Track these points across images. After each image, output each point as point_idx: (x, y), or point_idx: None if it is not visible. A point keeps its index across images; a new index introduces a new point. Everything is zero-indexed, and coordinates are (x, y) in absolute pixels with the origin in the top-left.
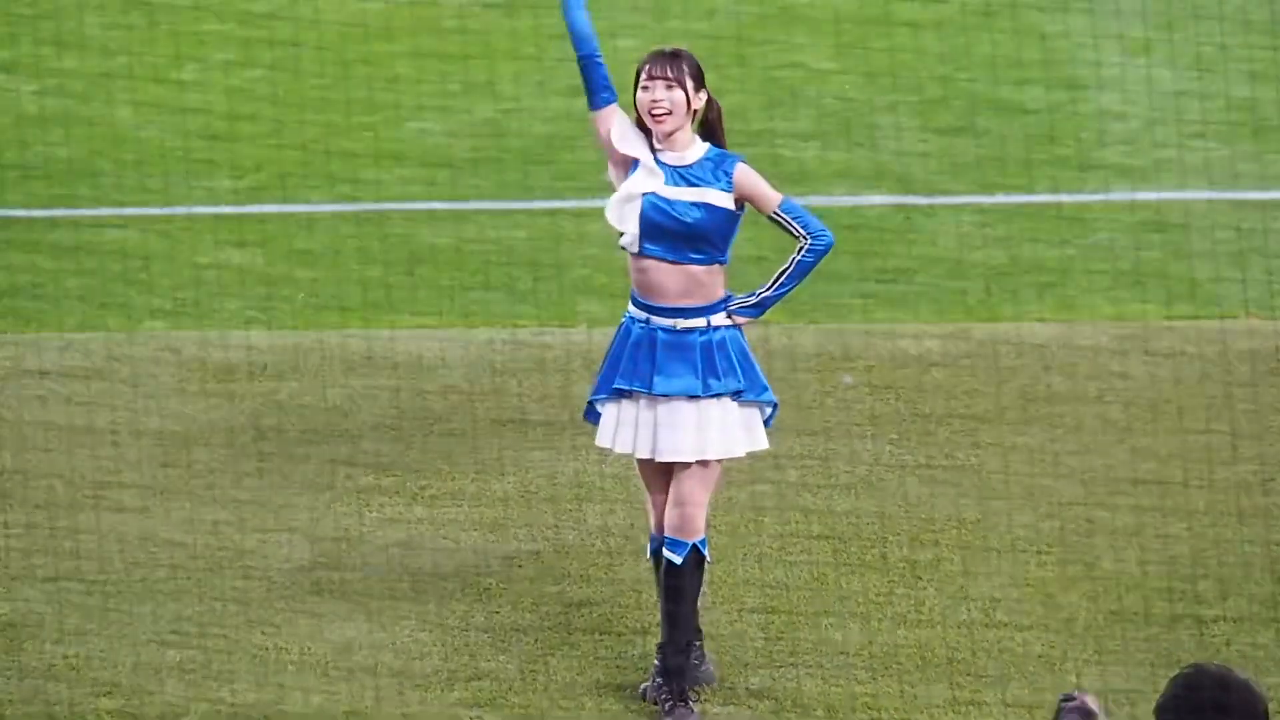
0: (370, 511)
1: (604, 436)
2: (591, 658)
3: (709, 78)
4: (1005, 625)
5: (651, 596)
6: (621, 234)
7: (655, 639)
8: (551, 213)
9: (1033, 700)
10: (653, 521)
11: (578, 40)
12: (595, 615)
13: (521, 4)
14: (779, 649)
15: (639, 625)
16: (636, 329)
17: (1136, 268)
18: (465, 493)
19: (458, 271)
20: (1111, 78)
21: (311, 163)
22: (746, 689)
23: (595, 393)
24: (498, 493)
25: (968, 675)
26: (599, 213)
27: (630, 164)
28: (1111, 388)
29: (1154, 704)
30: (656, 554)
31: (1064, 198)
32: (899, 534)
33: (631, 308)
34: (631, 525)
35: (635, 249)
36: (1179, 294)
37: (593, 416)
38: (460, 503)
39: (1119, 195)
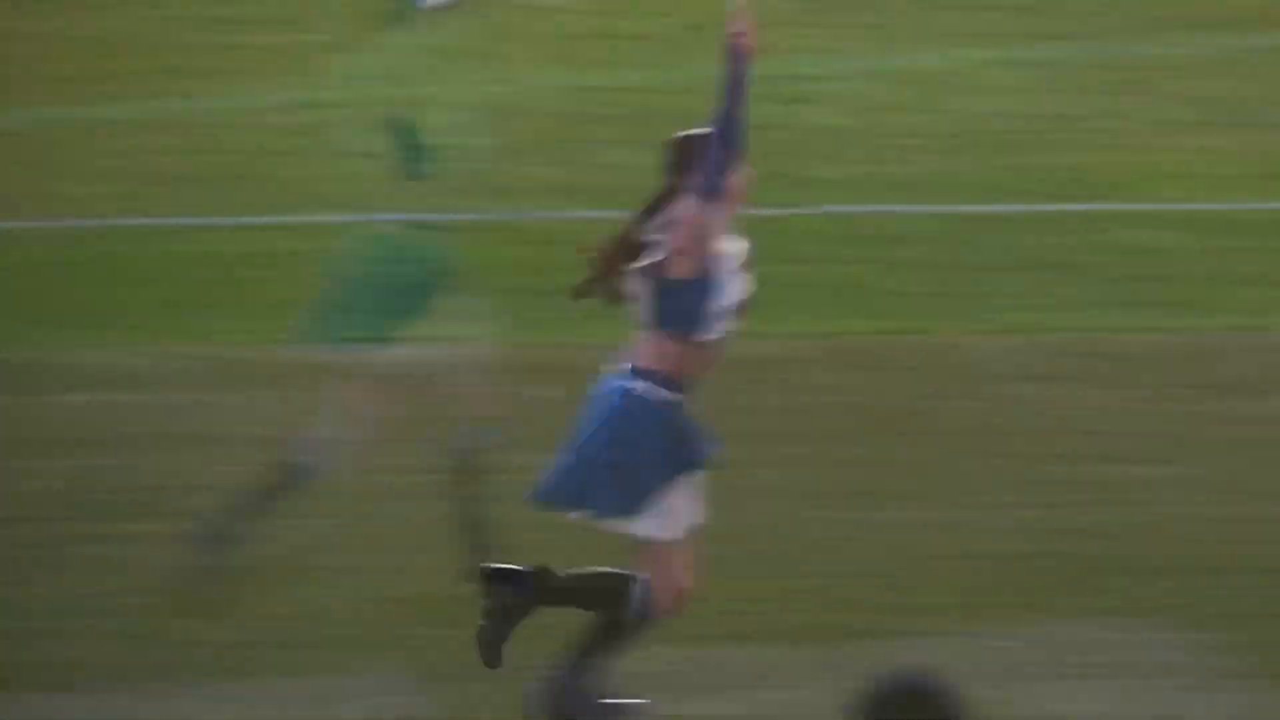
0: None
1: (676, 526)
2: None
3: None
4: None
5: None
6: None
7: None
8: (258, 229)
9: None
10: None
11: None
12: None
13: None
14: None
15: None
16: (676, 411)
17: (842, 283)
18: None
19: (161, 287)
20: (828, 92)
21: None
22: None
23: (660, 479)
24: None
25: None
26: (303, 230)
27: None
28: (819, 401)
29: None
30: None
31: (774, 212)
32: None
33: (668, 392)
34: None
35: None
36: (885, 309)
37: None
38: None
39: (831, 209)
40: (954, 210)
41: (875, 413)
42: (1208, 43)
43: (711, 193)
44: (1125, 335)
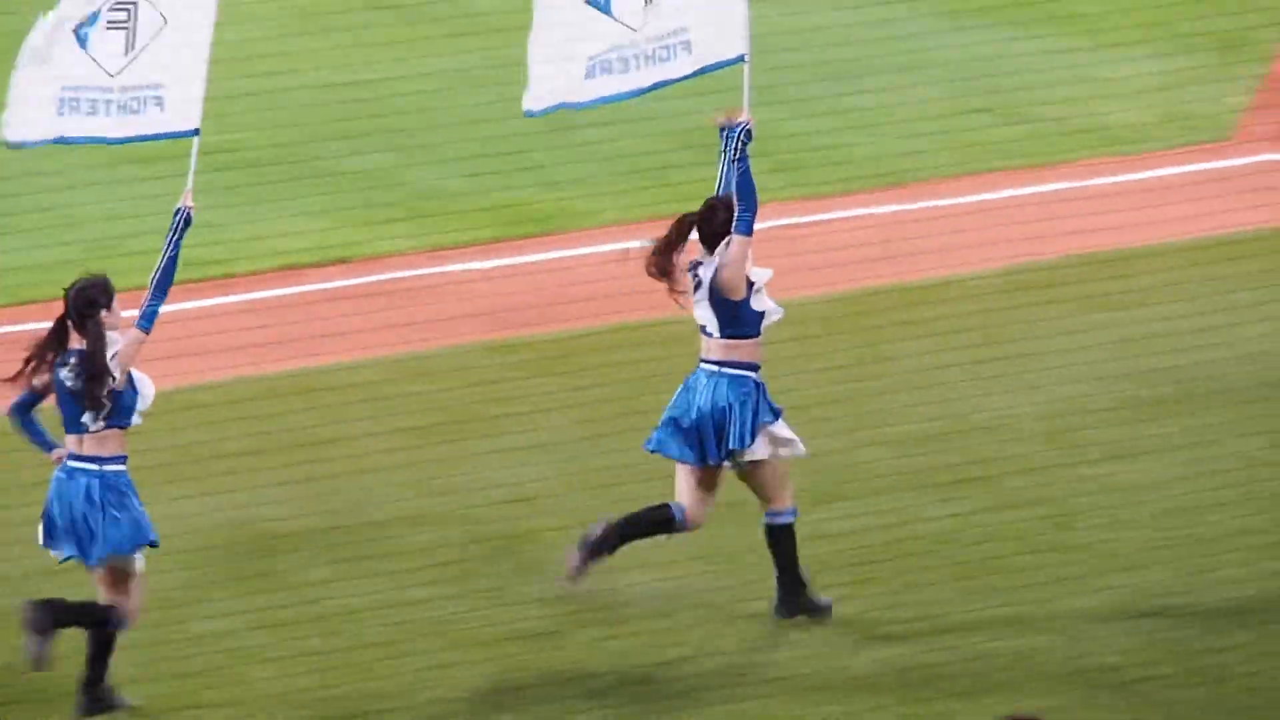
0: None
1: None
2: None
3: None
4: None
5: None
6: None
7: None
8: None
9: None
10: None
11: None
12: None
13: None
14: None
15: None
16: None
17: None
18: None
19: None
20: None
21: None
22: None
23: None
24: None
25: None
26: None
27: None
28: None
29: None
30: None
31: None
32: None
33: (749, 373)
34: None
35: None
36: None
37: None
38: None
39: None
40: None
41: None
42: None
43: (749, 231)
44: None
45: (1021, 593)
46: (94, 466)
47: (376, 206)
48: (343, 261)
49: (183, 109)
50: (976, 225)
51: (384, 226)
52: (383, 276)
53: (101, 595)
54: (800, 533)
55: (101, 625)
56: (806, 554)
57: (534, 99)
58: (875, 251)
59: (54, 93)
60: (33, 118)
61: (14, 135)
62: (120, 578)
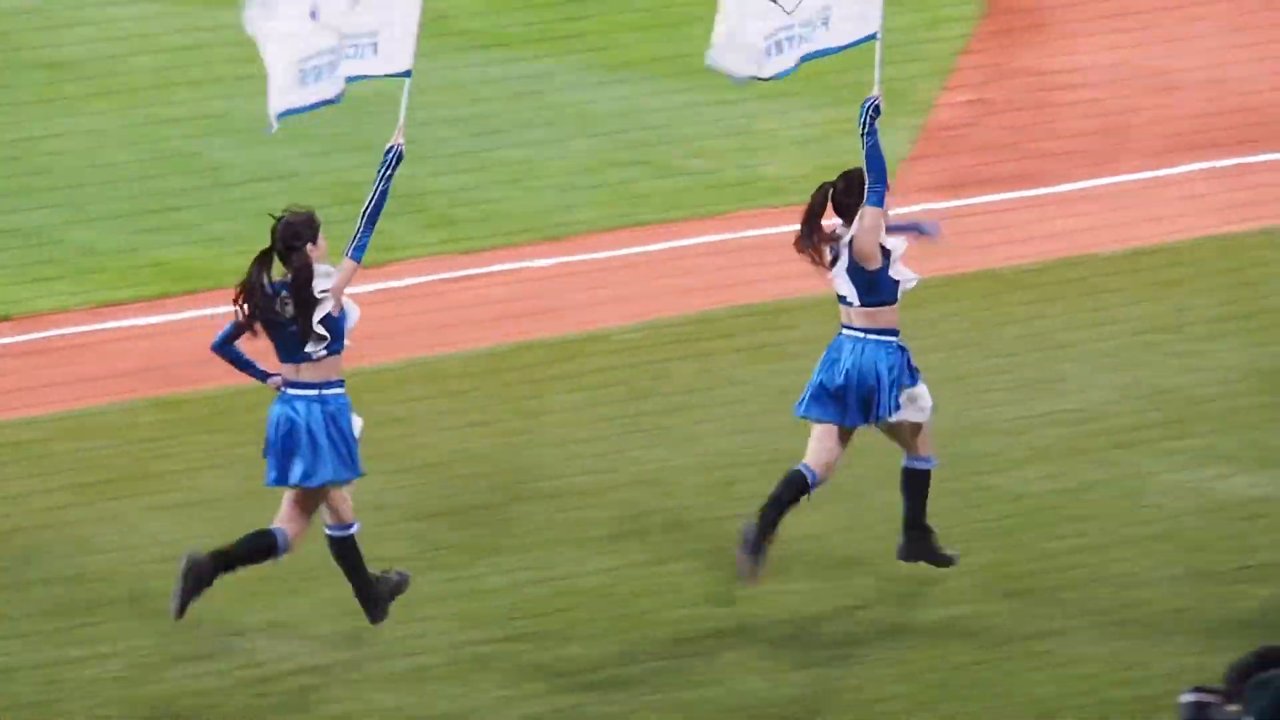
0: None
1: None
2: None
3: None
4: None
5: None
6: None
7: None
8: None
9: None
10: None
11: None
12: None
13: None
14: None
15: None
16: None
17: None
18: None
19: None
20: None
21: None
22: None
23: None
24: None
25: None
26: None
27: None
28: None
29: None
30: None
31: None
32: None
33: (892, 338)
34: None
35: None
36: None
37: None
38: None
39: None
40: None
41: None
42: None
43: (880, 203)
44: None
45: (681, 645)
46: (314, 393)
47: (36, 264)
48: (3, 319)
49: (395, 52)
50: (632, 278)
51: (44, 284)
52: (43, 334)
53: (282, 514)
54: (457, 589)
55: (266, 553)
56: (461, 610)
57: (728, 62)
58: (528, 306)
59: (296, 70)
60: (285, 92)
61: (275, 108)
62: (309, 505)
